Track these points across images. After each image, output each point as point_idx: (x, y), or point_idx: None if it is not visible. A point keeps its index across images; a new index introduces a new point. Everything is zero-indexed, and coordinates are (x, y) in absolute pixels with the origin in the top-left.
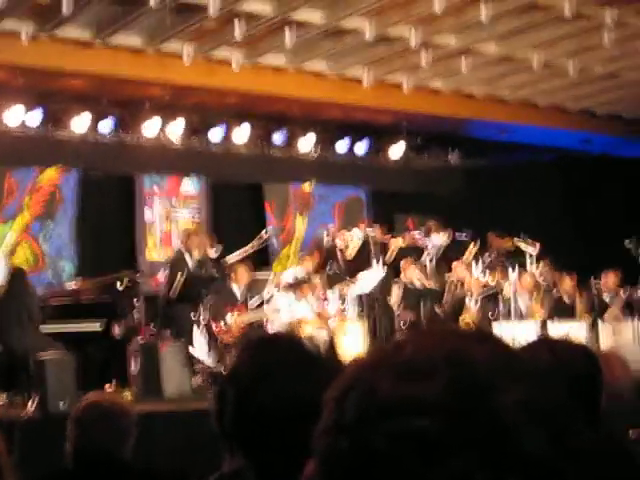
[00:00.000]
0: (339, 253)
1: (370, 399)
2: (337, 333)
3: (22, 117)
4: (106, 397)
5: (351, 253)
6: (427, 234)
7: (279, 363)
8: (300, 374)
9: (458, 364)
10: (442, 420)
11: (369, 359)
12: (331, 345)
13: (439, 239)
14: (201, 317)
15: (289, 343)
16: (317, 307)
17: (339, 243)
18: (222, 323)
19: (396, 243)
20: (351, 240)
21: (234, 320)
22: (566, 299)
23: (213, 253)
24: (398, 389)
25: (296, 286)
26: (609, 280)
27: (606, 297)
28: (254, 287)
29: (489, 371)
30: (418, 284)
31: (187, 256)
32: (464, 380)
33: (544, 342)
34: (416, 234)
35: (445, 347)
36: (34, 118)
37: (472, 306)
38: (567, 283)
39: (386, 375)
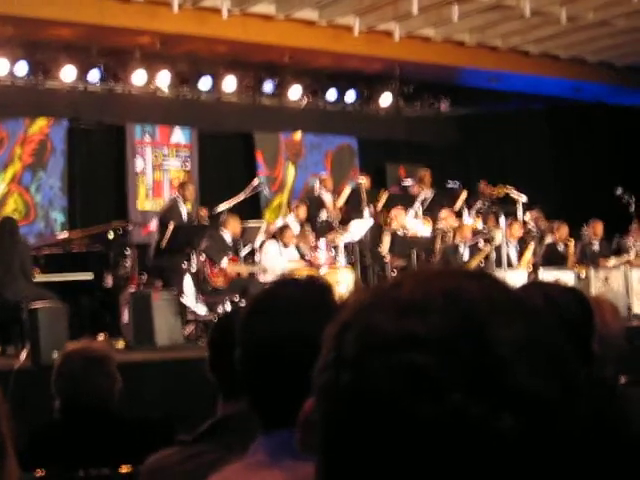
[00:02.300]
0: (329, 202)
1: (369, 334)
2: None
3: (10, 67)
4: (83, 345)
5: (341, 202)
6: (419, 183)
7: (277, 299)
8: (298, 310)
9: (455, 300)
10: (438, 355)
11: (368, 296)
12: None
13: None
14: (192, 265)
15: (293, 284)
16: (308, 256)
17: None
18: (216, 267)
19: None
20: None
21: (228, 266)
22: (559, 247)
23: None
24: (396, 324)
25: (279, 232)
26: (596, 228)
27: (595, 245)
28: (245, 236)
29: (486, 307)
30: (408, 232)
31: (181, 205)
32: (461, 315)
33: (537, 285)
34: (407, 183)
35: (442, 284)
36: (22, 68)
37: (464, 253)
38: (562, 231)
39: (385, 311)
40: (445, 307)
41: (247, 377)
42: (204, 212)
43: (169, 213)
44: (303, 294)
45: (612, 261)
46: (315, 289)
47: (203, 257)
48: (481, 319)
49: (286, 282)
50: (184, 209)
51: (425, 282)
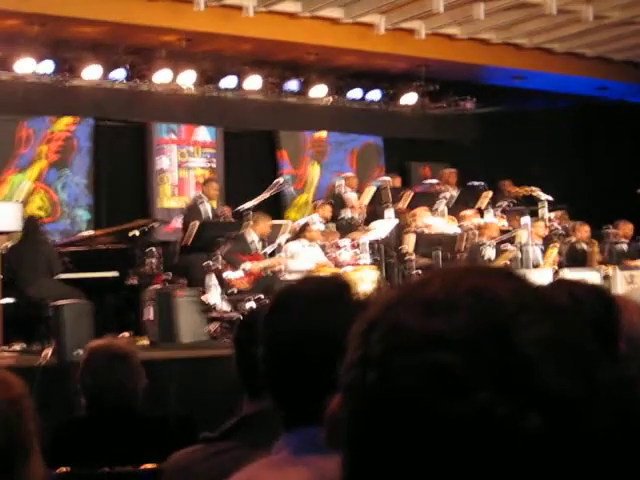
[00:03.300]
0: (354, 200)
1: (395, 333)
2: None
3: (35, 66)
4: (108, 342)
5: (366, 201)
6: (444, 183)
7: (297, 297)
8: (318, 307)
9: (482, 299)
10: (465, 354)
11: (394, 294)
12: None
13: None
14: (216, 264)
15: (314, 281)
16: (332, 254)
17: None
18: (237, 272)
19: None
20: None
21: (249, 267)
22: (581, 247)
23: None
24: (422, 323)
25: (302, 230)
26: (626, 229)
27: (621, 246)
28: (269, 235)
29: (512, 306)
30: (433, 231)
31: (205, 203)
32: (487, 314)
33: (563, 284)
34: (433, 182)
35: (469, 283)
36: (47, 67)
37: (489, 253)
38: (583, 231)
39: (411, 309)
40: (471, 306)
41: (269, 375)
42: (228, 210)
43: (191, 211)
44: (323, 291)
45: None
46: (335, 286)
47: (223, 263)
48: (507, 318)
49: (307, 280)
50: (208, 207)
51: (451, 281)
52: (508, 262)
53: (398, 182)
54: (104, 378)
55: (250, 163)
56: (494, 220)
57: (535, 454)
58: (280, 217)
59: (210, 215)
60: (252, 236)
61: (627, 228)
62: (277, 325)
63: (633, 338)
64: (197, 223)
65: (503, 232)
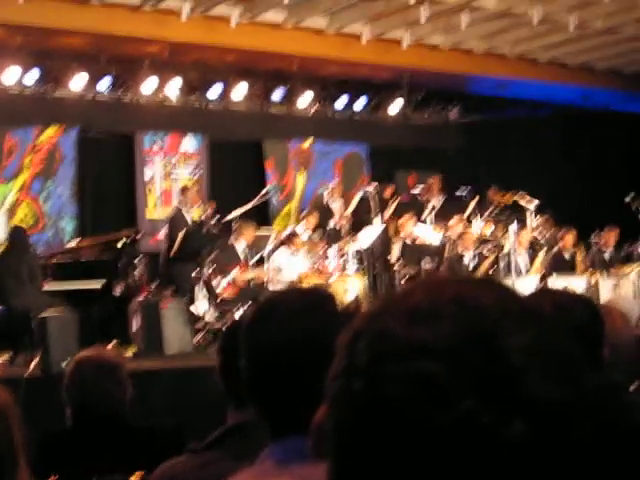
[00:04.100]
0: (338, 210)
1: (380, 342)
2: (338, 290)
3: (20, 76)
4: (95, 352)
5: (350, 210)
6: (428, 191)
7: (277, 307)
8: (298, 318)
9: (465, 307)
10: (449, 363)
11: (380, 304)
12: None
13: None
14: (202, 274)
15: (295, 292)
16: (317, 264)
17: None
18: (224, 280)
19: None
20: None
21: (235, 276)
22: (566, 255)
23: (210, 217)
24: (406, 332)
25: (288, 240)
26: (611, 236)
27: (606, 254)
28: (255, 244)
29: (496, 314)
30: (417, 240)
31: (185, 213)
32: (471, 323)
33: (546, 292)
34: (417, 191)
35: (453, 292)
36: (32, 77)
37: (469, 262)
38: (569, 239)
39: (395, 319)
40: (455, 315)
41: (251, 385)
42: (211, 207)
43: (174, 222)
44: (304, 302)
45: (630, 268)
46: (317, 297)
47: (210, 270)
48: (491, 327)
49: (289, 291)
50: (189, 216)
51: (435, 290)
52: (493, 270)
53: (389, 192)
54: (92, 389)
55: (235, 173)
56: (479, 228)
57: (520, 461)
58: (266, 226)
59: (191, 224)
60: (241, 244)
61: (612, 235)
62: (258, 335)
63: (617, 345)
64: (183, 234)
65: (487, 241)
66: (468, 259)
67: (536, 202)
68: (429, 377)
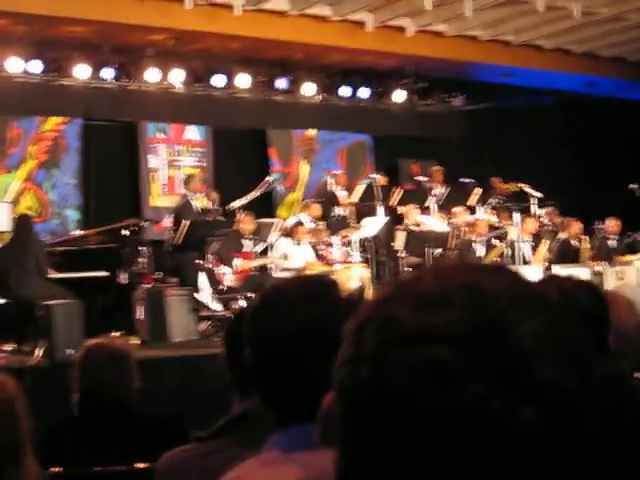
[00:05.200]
0: (343, 198)
1: (388, 328)
2: (342, 278)
3: (24, 65)
4: (105, 341)
5: (355, 198)
6: (432, 179)
7: (280, 295)
8: (301, 305)
9: (475, 294)
10: (458, 348)
11: (388, 291)
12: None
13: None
14: (207, 262)
15: (299, 280)
16: (322, 252)
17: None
18: (228, 268)
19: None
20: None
21: (240, 265)
22: (572, 243)
23: (214, 205)
24: (415, 318)
25: (293, 230)
26: (616, 225)
27: (612, 242)
28: (259, 233)
29: (506, 300)
30: (422, 228)
31: (193, 201)
32: (481, 309)
33: (553, 280)
34: (421, 179)
35: (462, 278)
36: (36, 66)
37: (479, 249)
38: (574, 227)
39: (404, 305)
40: (465, 301)
41: (256, 374)
42: (214, 196)
43: (182, 210)
44: (308, 290)
45: (635, 256)
46: (320, 285)
47: (214, 258)
48: (501, 313)
49: (292, 279)
50: (197, 204)
51: (445, 276)
52: (498, 259)
53: (384, 180)
54: (101, 376)
55: (240, 161)
56: (484, 217)
57: (529, 447)
58: (271, 215)
59: (198, 213)
60: (244, 233)
61: (617, 224)
62: (262, 324)
63: (623, 333)
64: (187, 222)
65: (493, 229)
66: (477, 246)
67: (539, 194)
68: (438, 363)
